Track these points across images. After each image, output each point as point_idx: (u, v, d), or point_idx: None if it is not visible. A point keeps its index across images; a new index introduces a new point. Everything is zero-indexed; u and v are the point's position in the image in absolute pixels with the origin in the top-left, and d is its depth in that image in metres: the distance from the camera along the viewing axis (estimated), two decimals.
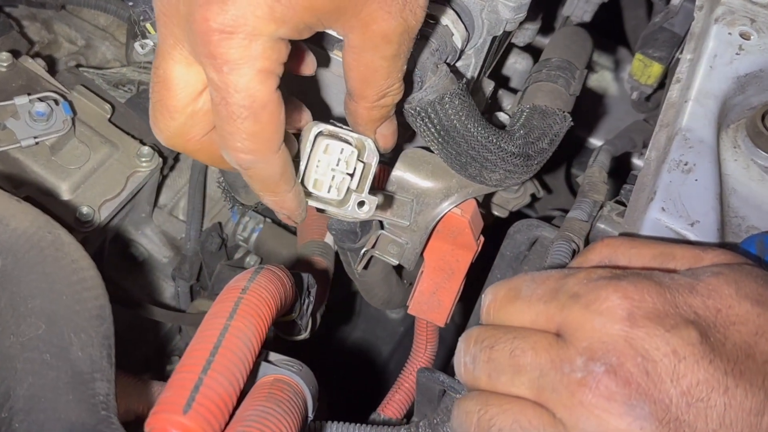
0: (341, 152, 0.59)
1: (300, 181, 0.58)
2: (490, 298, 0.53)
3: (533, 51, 0.92)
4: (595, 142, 1.06)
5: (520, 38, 0.86)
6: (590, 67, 1.10)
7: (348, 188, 0.59)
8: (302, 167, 0.58)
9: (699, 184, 0.61)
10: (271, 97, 0.50)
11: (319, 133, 0.58)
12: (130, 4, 0.67)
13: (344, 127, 0.60)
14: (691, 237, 0.59)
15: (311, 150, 0.58)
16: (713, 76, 0.66)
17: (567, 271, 0.50)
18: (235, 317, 0.54)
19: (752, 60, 0.66)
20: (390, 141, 0.62)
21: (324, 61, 0.67)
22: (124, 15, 1.06)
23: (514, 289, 0.52)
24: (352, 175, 0.59)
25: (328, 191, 0.59)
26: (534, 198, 0.91)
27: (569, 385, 0.45)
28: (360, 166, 0.59)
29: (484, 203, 0.88)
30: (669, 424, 0.43)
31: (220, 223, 1.02)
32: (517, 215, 0.91)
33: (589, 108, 1.08)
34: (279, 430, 0.50)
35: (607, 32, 1.12)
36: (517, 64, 0.90)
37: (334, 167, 0.59)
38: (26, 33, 1.08)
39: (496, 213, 0.88)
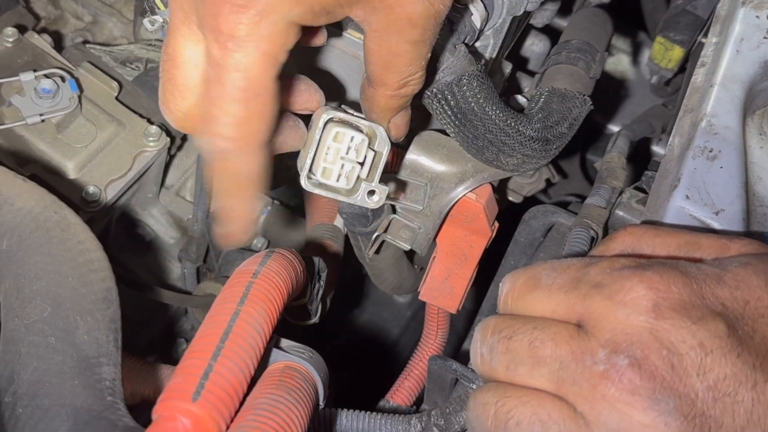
0: (351, 140, 0.57)
1: (308, 169, 0.56)
2: (508, 287, 0.52)
3: (551, 33, 0.90)
4: (612, 127, 1.04)
5: (539, 19, 0.84)
6: (608, 51, 1.08)
7: (358, 177, 0.57)
8: (311, 154, 0.56)
9: (724, 172, 0.59)
10: (267, 85, 0.48)
11: (330, 120, 0.56)
12: None
13: (355, 113, 0.58)
14: (716, 226, 0.57)
15: (320, 137, 0.56)
16: (739, 60, 0.64)
17: (589, 260, 0.48)
18: (246, 302, 0.52)
19: None
20: (403, 130, 0.60)
21: (336, 37, 0.65)
22: None
23: (533, 277, 0.50)
24: (362, 164, 0.57)
25: (337, 180, 0.57)
26: (549, 183, 0.89)
27: (591, 377, 0.43)
28: (371, 154, 0.57)
29: (499, 188, 0.86)
30: (695, 420, 0.41)
31: None
32: (531, 200, 0.89)
33: (604, 92, 1.05)
34: (290, 418, 0.49)
35: (625, 15, 1.10)
36: (534, 46, 0.88)
37: (344, 155, 0.57)
38: (32, 8, 1.06)
39: (510, 198, 0.86)
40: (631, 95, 1.03)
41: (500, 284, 0.53)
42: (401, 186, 0.73)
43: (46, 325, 0.53)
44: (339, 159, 0.57)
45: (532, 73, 0.85)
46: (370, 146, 0.57)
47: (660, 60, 0.84)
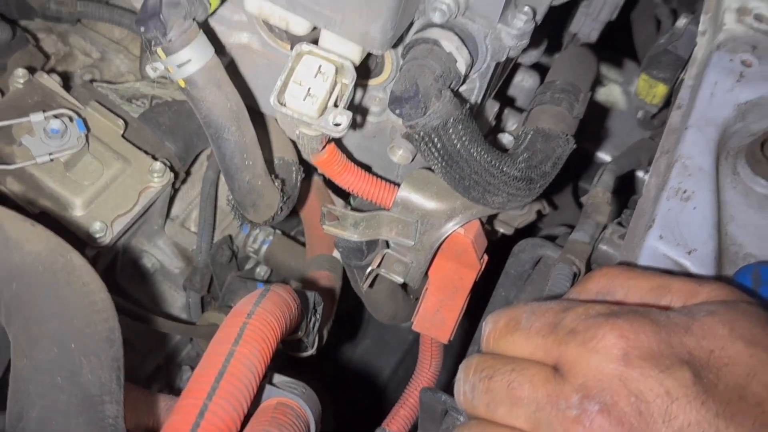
0: (320, 68, 0.65)
1: (278, 90, 0.65)
2: (490, 327, 0.55)
3: (541, 68, 0.93)
4: (604, 156, 1.07)
5: (527, 59, 0.87)
6: (600, 82, 1.11)
7: (326, 105, 0.65)
8: (282, 77, 0.65)
9: (697, 213, 0.61)
10: None
11: (302, 52, 0.65)
12: (142, 29, 0.69)
13: (328, 49, 0.66)
14: (689, 265, 0.60)
15: (291, 64, 0.65)
16: (714, 103, 0.66)
17: (566, 304, 0.51)
18: (240, 343, 0.56)
19: (753, 87, 0.67)
20: None
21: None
22: (137, 29, 1.07)
23: (513, 319, 0.53)
24: (330, 95, 0.65)
25: (304, 100, 0.64)
26: (540, 215, 0.92)
27: (564, 421, 0.46)
28: (339, 85, 0.65)
29: (489, 220, 0.89)
30: None
31: (230, 236, 1.04)
32: (523, 232, 0.92)
33: (598, 122, 1.08)
34: None
35: (618, 47, 1.13)
36: (524, 82, 0.91)
37: (312, 79, 0.65)
38: (42, 46, 1.09)
39: (501, 230, 0.89)
40: (623, 125, 1.06)
41: (483, 323, 0.56)
42: (394, 222, 0.76)
43: (53, 366, 0.56)
44: (306, 82, 0.65)
45: (521, 110, 0.87)
46: (337, 77, 0.65)
47: (645, 96, 0.87)
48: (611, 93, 1.06)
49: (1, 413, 0.57)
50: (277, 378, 0.60)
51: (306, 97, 0.65)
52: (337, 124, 0.65)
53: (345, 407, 1.23)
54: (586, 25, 0.94)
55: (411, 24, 0.68)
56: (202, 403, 0.51)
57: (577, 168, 1.07)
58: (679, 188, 0.63)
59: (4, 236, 0.62)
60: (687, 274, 0.59)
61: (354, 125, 0.79)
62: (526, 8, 0.66)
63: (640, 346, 0.46)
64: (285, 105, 0.65)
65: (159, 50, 0.69)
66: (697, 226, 0.61)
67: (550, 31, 0.86)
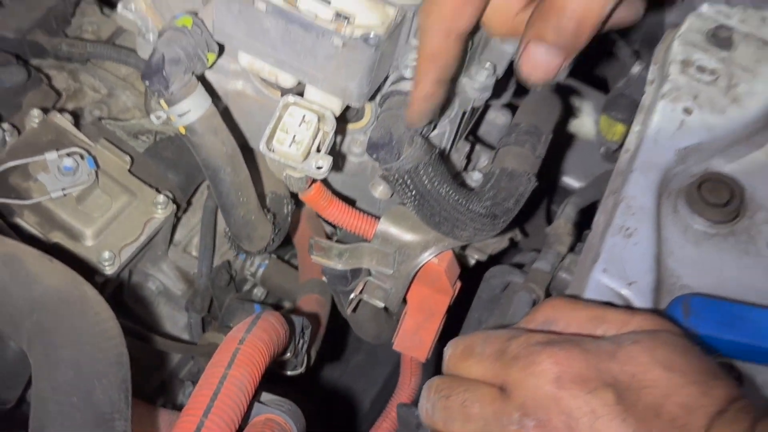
0: (303, 117, 0.73)
1: (267, 136, 0.73)
2: (450, 352, 0.63)
3: (514, 107, 1.01)
4: (575, 183, 1.15)
5: (497, 101, 0.95)
6: (573, 113, 1.19)
7: (309, 151, 0.73)
8: (271, 125, 0.73)
9: (638, 248, 0.69)
10: None
11: (289, 103, 0.73)
12: (147, 83, 0.77)
13: (310, 101, 0.74)
14: (629, 296, 0.67)
15: (279, 114, 0.73)
16: (656, 148, 0.74)
17: (513, 333, 0.59)
18: (233, 367, 0.64)
19: (693, 134, 0.75)
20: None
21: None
22: (142, 67, 1.16)
23: (469, 347, 0.61)
24: (313, 141, 0.74)
25: (289, 146, 0.72)
26: (512, 242, 1.00)
27: None
28: (321, 132, 0.74)
29: (464, 247, 0.97)
30: None
31: (229, 261, 1.12)
32: (497, 258, 1.00)
33: (571, 152, 1.16)
34: None
35: (592, 80, 1.21)
36: (497, 120, 0.99)
37: (297, 128, 0.73)
38: (54, 84, 1.18)
39: (476, 257, 0.97)
40: (594, 155, 1.14)
41: (445, 348, 0.64)
42: (374, 253, 0.84)
43: (70, 387, 0.64)
44: (292, 130, 0.73)
45: (493, 147, 0.95)
46: (319, 126, 0.73)
47: (606, 133, 0.95)
48: (583, 125, 1.14)
49: (24, 429, 0.65)
50: (266, 396, 0.68)
51: (291, 144, 0.73)
52: (319, 167, 0.74)
53: (337, 420, 1.31)
54: None
55: (387, 77, 0.77)
56: (198, 420, 0.59)
57: (550, 195, 1.15)
58: (623, 226, 0.70)
59: (26, 271, 0.70)
60: (628, 305, 0.67)
61: (338, 165, 0.87)
62: (488, 64, 0.74)
63: (571, 371, 0.54)
64: (273, 150, 0.73)
65: (162, 101, 0.77)
66: (637, 261, 0.69)
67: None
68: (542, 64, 0.58)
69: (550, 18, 0.57)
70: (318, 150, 0.74)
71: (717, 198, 0.72)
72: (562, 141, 1.15)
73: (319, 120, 0.74)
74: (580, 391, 0.53)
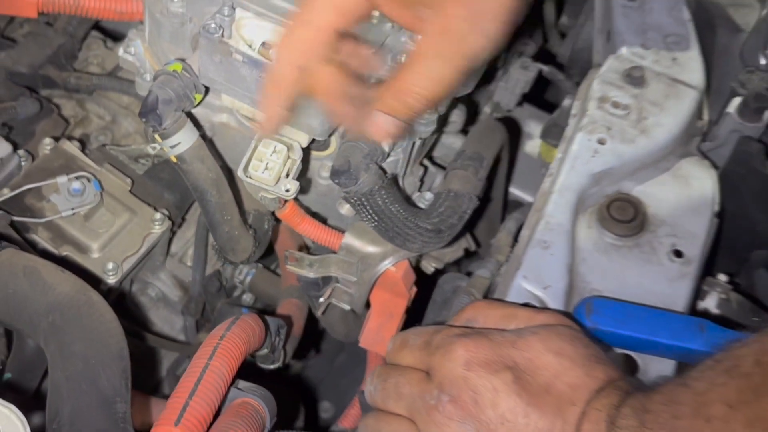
0: (275, 148, 0.85)
1: (245, 164, 0.85)
2: (391, 345, 0.76)
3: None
4: (530, 198, 1.28)
5: (453, 127, 1.08)
6: (530, 136, 1.32)
7: (280, 176, 0.85)
8: (248, 155, 0.86)
9: (554, 258, 0.83)
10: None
11: (262, 135, 0.86)
12: (143, 120, 0.90)
13: (282, 134, 0.87)
14: (545, 298, 0.81)
15: (254, 144, 0.86)
16: (573, 173, 0.88)
17: (437, 328, 0.73)
18: (213, 358, 0.77)
19: (605, 161, 0.88)
20: (381, 136, 0.72)
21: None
22: (142, 96, 1.29)
23: (404, 340, 0.75)
24: (283, 168, 0.86)
25: (263, 172, 0.85)
26: (467, 251, 1.13)
27: (428, 409, 0.67)
28: (290, 161, 0.86)
29: (422, 256, 1.10)
30: None
31: (219, 270, 1.26)
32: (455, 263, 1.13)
33: (525, 169, 1.29)
34: None
35: (548, 106, 1.34)
36: (454, 144, 1.13)
37: (269, 157, 0.85)
38: (63, 113, 1.31)
39: (434, 265, 1.10)
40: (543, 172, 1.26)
41: (389, 341, 0.77)
42: (340, 263, 0.98)
43: (79, 376, 0.77)
44: (265, 158, 0.85)
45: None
46: (289, 154, 0.86)
47: (545, 157, 1.08)
48: (536, 146, 1.27)
49: (42, 411, 0.79)
50: (242, 383, 0.81)
51: (264, 170, 0.85)
52: (287, 190, 0.86)
53: (323, 413, 1.45)
54: (505, 96, 1.15)
55: None
56: (184, 401, 0.73)
57: (505, 211, 1.28)
58: (542, 239, 0.84)
59: (42, 281, 0.84)
60: (543, 306, 0.80)
61: (308, 187, 1.01)
62: None
63: (478, 357, 0.67)
64: (249, 176, 0.86)
65: (156, 136, 0.91)
66: (553, 269, 0.82)
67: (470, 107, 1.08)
68: (384, 128, 0.70)
69: (398, 96, 0.68)
70: (287, 175, 0.87)
71: (623, 215, 0.85)
72: (519, 160, 1.29)
73: (288, 150, 0.87)
74: (485, 372, 0.66)
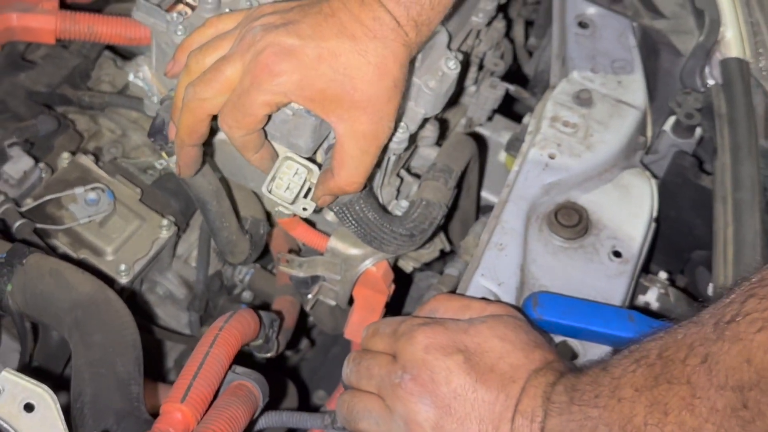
0: (296, 170, 0.95)
1: (269, 181, 0.95)
2: (364, 333, 0.89)
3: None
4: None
5: (427, 142, 1.21)
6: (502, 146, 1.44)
7: (299, 195, 0.95)
8: (272, 173, 0.95)
9: (507, 258, 0.95)
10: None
11: (287, 157, 0.96)
12: (152, 140, 1.03)
13: (303, 157, 0.97)
14: (498, 292, 0.93)
15: (278, 165, 0.95)
16: (526, 184, 1.00)
17: (403, 318, 0.86)
18: (214, 347, 0.90)
19: (554, 173, 1.01)
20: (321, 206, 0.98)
21: None
22: (150, 115, 1.42)
23: (376, 328, 0.87)
24: (302, 189, 0.96)
25: (284, 190, 0.95)
26: (442, 252, 1.26)
27: (393, 386, 0.80)
28: (309, 183, 0.96)
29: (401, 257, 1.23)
30: (442, 408, 0.78)
31: (221, 271, 1.39)
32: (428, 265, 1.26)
33: (497, 177, 1.42)
34: (236, 413, 0.86)
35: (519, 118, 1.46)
36: (430, 156, 1.25)
37: (291, 178, 0.95)
38: (77, 128, 1.44)
39: (412, 264, 1.23)
40: None
41: (363, 330, 0.90)
42: (326, 263, 1.11)
43: (99, 362, 0.90)
44: (288, 179, 0.95)
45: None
46: (308, 177, 0.96)
47: (510, 167, 1.21)
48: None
49: (65, 392, 0.92)
50: (239, 369, 0.94)
51: (286, 189, 0.95)
52: (305, 209, 0.97)
53: (317, 401, 1.58)
54: (477, 112, 1.28)
55: (329, 134, 1.03)
56: (189, 382, 0.86)
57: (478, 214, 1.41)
58: (498, 242, 0.97)
59: (66, 281, 0.97)
60: (497, 299, 0.93)
61: None
62: (402, 124, 1.01)
63: (435, 342, 0.80)
64: (271, 192, 0.96)
65: (163, 153, 1.04)
66: (506, 267, 0.95)
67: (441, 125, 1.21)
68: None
69: (330, 186, 0.92)
70: (305, 196, 0.97)
71: (568, 221, 0.98)
72: (490, 167, 1.41)
73: (308, 173, 0.96)
74: (440, 355, 0.79)
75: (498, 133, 1.43)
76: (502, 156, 1.41)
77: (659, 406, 0.65)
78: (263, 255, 1.30)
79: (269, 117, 0.91)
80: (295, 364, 1.70)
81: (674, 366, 0.64)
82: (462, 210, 1.30)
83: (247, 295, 1.44)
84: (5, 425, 0.76)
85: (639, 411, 0.66)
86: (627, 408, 0.67)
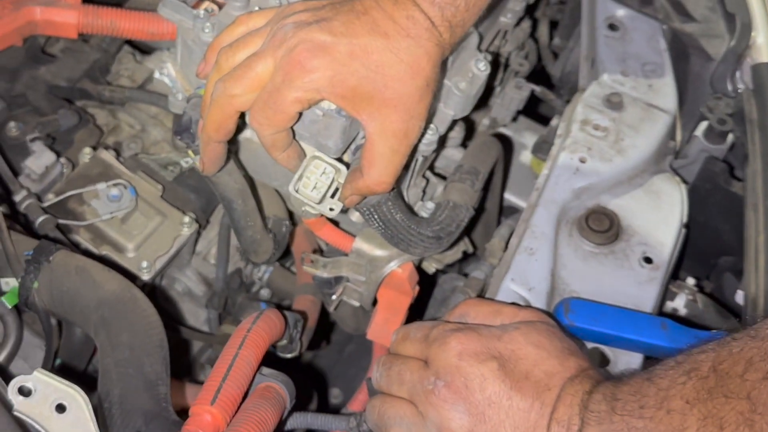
0: (324, 169, 0.94)
1: (296, 180, 0.94)
2: (394, 337, 0.89)
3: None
4: (524, 204, 1.40)
5: (453, 142, 1.20)
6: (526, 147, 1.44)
7: (326, 195, 0.94)
8: (299, 172, 0.94)
9: (538, 263, 0.95)
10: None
11: (314, 156, 0.95)
12: (178, 138, 1.02)
13: (332, 157, 0.96)
14: (529, 298, 0.93)
15: (306, 164, 0.94)
16: (557, 188, 1.00)
17: (435, 323, 0.85)
18: (242, 348, 0.89)
19: (585, 177, 1.00)
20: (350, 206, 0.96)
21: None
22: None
23: (406, 332, 0.87)
24: (329, 189, 0.95)
25: (311, 190, 0.94)
26: (465, 254, 1.25)
27: (426, 393, 0.80)
28: (336, 183, 0.95)
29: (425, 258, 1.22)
30: (476, 416, 0.77)
31: (240, 268, 1.38)
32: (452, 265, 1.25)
33: (520, 179, 1.41)
34: (265, 416, 0.86)
35: (543, 119, 1.46)
36: (455, 157, 1.24)
37: (318, 177, 0.94)
38: (97, 122, 1.43)
39: (435, 266, 1.22)
40: None
41: (392, 335, 0.90)
42: (351, 264, 1.10)
43: (127, 362, 0.89)
44: (315, 178, 0.94)
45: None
46: (335, 177, 0.94)
47: (536, 170, 1.20)
48: (530, 156, 1.39)
49: (91, 390, 0.91)
50: (266, 370, 0.93)
51: (313, 189, 0.94)
52: (331, 209, 0.96)
53: (333, 399, 1.58)
54: (501, 113, 1.27)
55: (358, 134, 1.02)
56: (219, 384, 0.85)
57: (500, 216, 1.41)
58: (528, 247, 0.96)
59: (92, 279, 0.96)
60: (527, 305, 0.92)
61: None
62: (432, 126, 1.00)
63: (469, 348, 0.79)
64: (298, 192, 0.95)
65: (190, 152, 1.03)
66: (537, 272, 0.94)
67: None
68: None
69: (359, 185, 0.91)
70: (332, 196, 0.96)
71: (599, 226, 0.97)
72: (514, 169, 1.41)
73: (335, 173, 0.95)
74: (474, 362, 0.78)
75: (520, 134, 1.42)
76: (525, 157, 1.40)
77: (713, 419, 0.63)
78: (283, 254, 1.29)
79: (299, 115, 0.90)
80: (309, 361, 1.70)
81: (731, 380, 0.63)
82: (485, 212, 1.29)
83: (265, 293, 1.44)
84: (37, 426, 0.76)
85: (691, 424, 0.65)
86: (677, 420, 0.66)
